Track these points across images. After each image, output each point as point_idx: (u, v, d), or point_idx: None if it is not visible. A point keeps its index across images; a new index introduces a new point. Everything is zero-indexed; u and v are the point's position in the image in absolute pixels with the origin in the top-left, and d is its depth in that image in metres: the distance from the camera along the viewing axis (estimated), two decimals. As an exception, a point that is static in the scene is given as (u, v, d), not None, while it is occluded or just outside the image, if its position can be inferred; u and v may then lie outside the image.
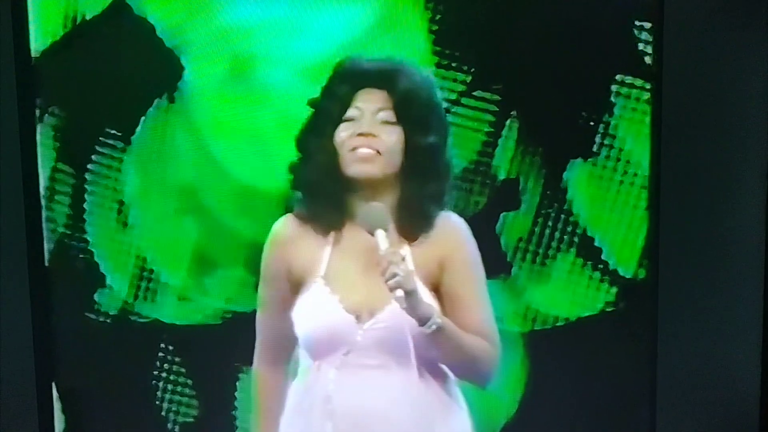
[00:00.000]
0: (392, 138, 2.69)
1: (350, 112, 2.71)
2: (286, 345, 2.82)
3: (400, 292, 2.54)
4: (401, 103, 2.70)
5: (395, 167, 2.70)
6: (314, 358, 2.75)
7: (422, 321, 2.60)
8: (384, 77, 2.72)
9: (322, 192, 2.73)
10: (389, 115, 2.70)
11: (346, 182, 2.71)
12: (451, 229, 2.75)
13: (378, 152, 2.68)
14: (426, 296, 2.66)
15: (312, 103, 2.79)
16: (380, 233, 2.60)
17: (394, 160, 2.70)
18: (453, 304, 2.69)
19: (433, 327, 2.60)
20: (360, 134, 2.68)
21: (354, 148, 2.68)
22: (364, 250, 2.69)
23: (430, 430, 2.74)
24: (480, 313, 2.72)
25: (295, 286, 2.75)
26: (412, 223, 2.71)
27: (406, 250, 2.67)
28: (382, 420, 2.69)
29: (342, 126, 2.71)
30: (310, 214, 2.76)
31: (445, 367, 2.76)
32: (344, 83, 2.73)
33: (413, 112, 2.71)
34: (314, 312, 2.71)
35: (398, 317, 2.63)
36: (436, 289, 2.73)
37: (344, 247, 2.74)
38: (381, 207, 2.65)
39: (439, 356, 2.70)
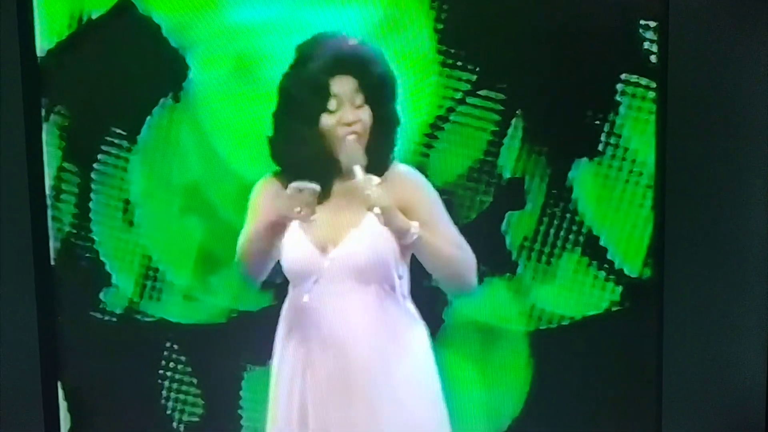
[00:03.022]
0: (367, 117, 3.25)
1: (331, 103, 3.24)
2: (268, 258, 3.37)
3: (377, 210, 3.04)
4: (370, 88, 3.26)
5: (368, 137, 3.26)
6: (293, 286, 3.35)
7: (401, 233, 3.14)
8: (352, 64, 3.26)
9: (309, 174, 3.20)
10: (361, 98, 3.26)
11: (330, 162, 3.23)
12: (403, 174, 3.31)
13: (360, 134, 3.24)
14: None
15: (286, 89, 3.30)
16: (357, 167, 3.13)
17: (367, 133, 3.26)
18: (423, 228, 3.16)
19: (414, 236, 3.10)
20: (345, 123, 3.23)
21: (342, 137, 3.22)
22: (333, 195, 3.28)
23: (391, 342, 3.25)
24: (448, 230, 3.26)
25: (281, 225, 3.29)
26: (374, 167, 3.19)
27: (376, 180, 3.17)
28: (346, 331, 3.21)
29: (325, 116, 3.24)
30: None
31: (398, 290, 3.28)
32: (318, 72, 3.22)
33: (379, 92, 3.28)
34: (289, 248, 3.31)
35: (358, 243, 3.21)
36: None
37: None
38: (358, 146, 3.20)
39: (426, 265, 3.22)
